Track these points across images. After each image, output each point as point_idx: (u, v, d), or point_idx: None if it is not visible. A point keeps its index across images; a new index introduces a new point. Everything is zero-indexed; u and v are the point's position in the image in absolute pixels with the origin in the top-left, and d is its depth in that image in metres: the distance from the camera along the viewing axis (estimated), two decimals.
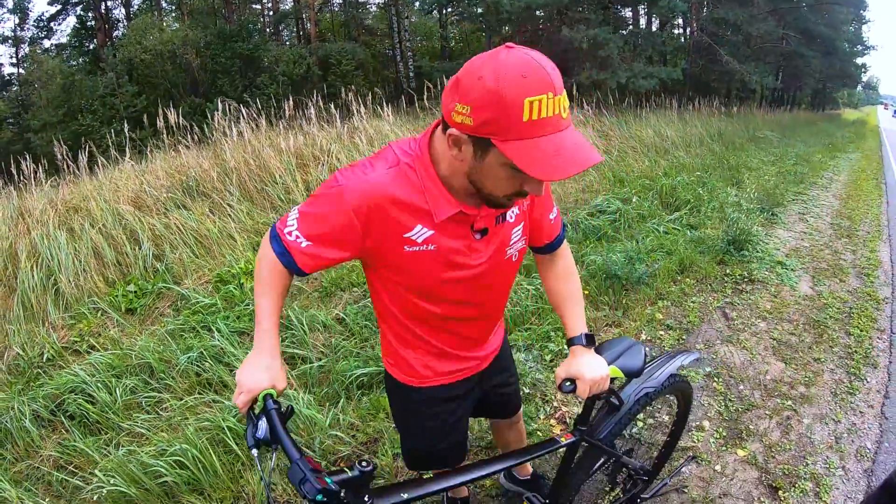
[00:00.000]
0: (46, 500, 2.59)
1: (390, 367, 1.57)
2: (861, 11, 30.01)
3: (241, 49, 18.78)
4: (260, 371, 1.24)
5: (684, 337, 3.61)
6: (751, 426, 2.73)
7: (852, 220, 6.54)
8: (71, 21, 25.81)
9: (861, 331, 3.66)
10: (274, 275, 1.31)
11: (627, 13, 19.74)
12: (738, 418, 2.79)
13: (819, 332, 3.66)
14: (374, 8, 26.15)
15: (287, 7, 26.11)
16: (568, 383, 1.43)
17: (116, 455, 2.67)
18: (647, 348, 1.92)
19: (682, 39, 21.46)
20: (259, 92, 13.94)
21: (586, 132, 9.27)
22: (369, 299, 3.91)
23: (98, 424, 3.05)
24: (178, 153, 5.97)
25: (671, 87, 15.20)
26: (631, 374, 1.51)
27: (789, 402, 2.91)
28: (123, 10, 25.92)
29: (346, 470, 1.06)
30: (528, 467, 2.29)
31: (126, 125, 6.63)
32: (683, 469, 2.44)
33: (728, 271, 4.64)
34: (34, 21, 26.29)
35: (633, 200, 6.29)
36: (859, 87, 60.04)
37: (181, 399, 3.09)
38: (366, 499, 1.11)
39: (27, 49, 25.57)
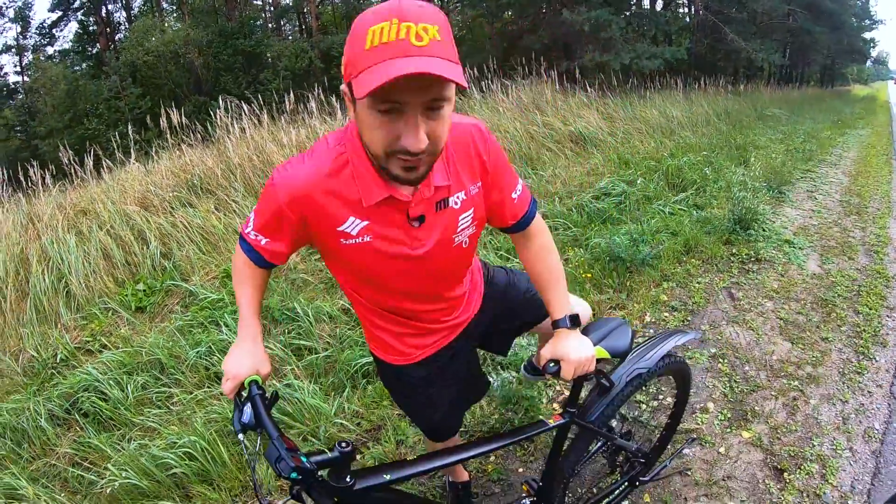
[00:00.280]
0: (63, 495, 2.64)
1: (373, 347, 1.61)
2: None
3: (242, 46, 18.82)
4: (244, 358, 1.30)
5: (689, 318, 3.59)
6: (756, 407, 2.72)
7: (861, 196, 6.46)
8: (72, 27, 26.03)
9: (870, 309, 3.61)
10: (246, 269, 1.38)
11: None
12: (744, 399, 2.78)
13: (827, 311, 3.63)
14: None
15: (288, 2, 26.08)
16: (552, 364, 1.41)
17: (129, 449, 2.73)
18: (643, 329, 1.92)
19: (687, 19, 21.21)
20: (262, 88, 13.99)
21: (590, 114, 9.22)
22: None
23: (111, 421, 3.11)
24: (183, 152, 6.01)
25: (676, 67, 15.04)
26: (618, 355, 1.51)
27: (796, 383, 2.89)
28: (124, 13, 26.08)
29: (327, 451, 1.09)
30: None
31: (131, 127, 6.66)
32: (686, 451, 2.44)
33: (734, 251, 4.60)
34: (36, 29, 26.52)
35: (639, 182, 6.25)
36: (869, 63, 59.20)
37: (191, 393, 3.15)
38: (347, 479, 1.13)
39: (30, 57, 25.79)
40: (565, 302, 1.46)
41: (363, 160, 1.15)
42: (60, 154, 6.03)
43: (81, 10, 24.97)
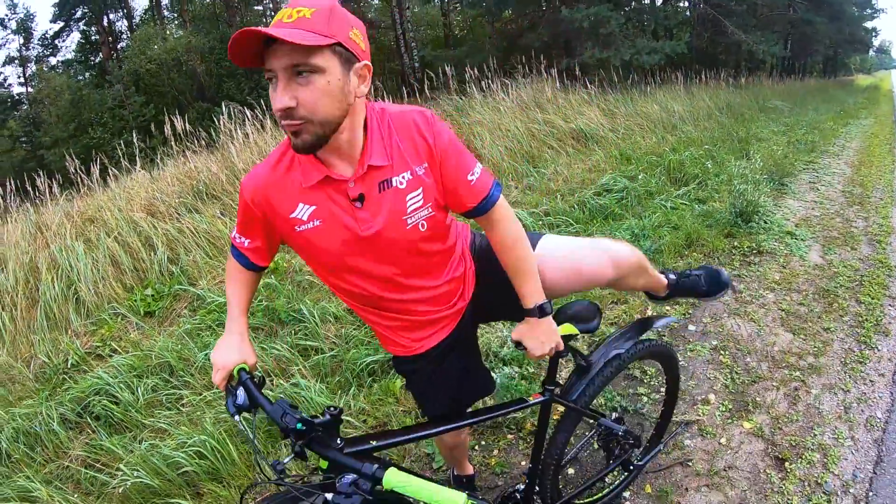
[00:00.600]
0: (76, 496, 2.70)
1: (379, 339, 1.66)
2: None
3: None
4: (231, 350, 1.39)
5: (690, 311, 3.61)
6: (757, 398, 2.74)
7: (864, 186, 6.46)
8: (75, 37, 26.22)
9: (872, 298, 3.63)
10: (235, 272, 1.50)
11: None
12: (745, 391, 2.81)
13: (829, 302, 3.64)
14: (375, 1, 26.17)
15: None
16: (520, 346, 1.50)
17: (140, 450, 2.78)
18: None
19: (687, 13, 21.16)
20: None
21: (591, 111, 9.24)
22: None
23: (122, 423, 3.17)
24: (188, 159, 6.08)
25: (677, 62, 15.03)
26: (586, 331, 1.58)
27: (797, 373, 2.91)
28: (126, 23, 26.25)
29: (318, 416, 1.22)
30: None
31: (136, 135, 6.74)
32: (687, 443, 2.47)
33: (736, 244, 4.62)
34: (38, 40, 26.73)
35: (640, 177, 6.27)
36: (871, 52, 58.88)
37: (200, 394, 3.20)
38: (338, 441, 1.24)
39: (33, 68, 25.99)
40: (535, 290, 1.47)
41: None
42: (67, 163, 6.10)
43: (83, 21, 25.17)
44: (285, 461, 1.19)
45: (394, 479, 1.12)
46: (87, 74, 24.65)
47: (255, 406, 1.26)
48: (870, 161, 8.09)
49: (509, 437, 2.65)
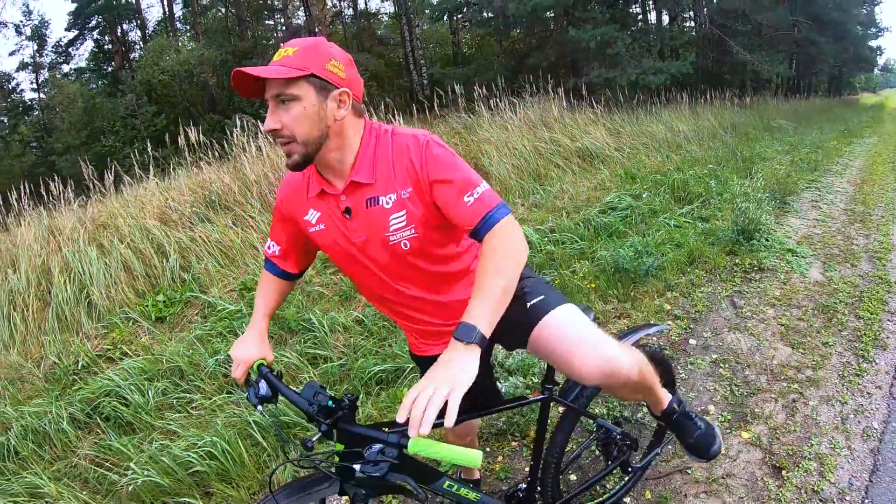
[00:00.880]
0: (84, 493, 2.75)
1: None
2: None
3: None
4: (250, 347, 1.51)
5: (692, 326, 3.68)
6: (756, 409, 2.81)
7: (866, 204, 6.53)
8: (88, 45, 26.53)
9: (871, 314, 3.69)
10: (264, 280, 1.66)
11: (636, 9, 19.78)
12: (744, 402, 2.87)
13: (828, 317, 3.71)
14: (385, 18, 26.51)
15: (300, 21, 26.52)
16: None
17: (150, 449, 2.85)
18: (646, 338, 2.04)
19: (694, 32, 21.37)
20: None
21: (597, 130, 9.36)
22: None
23: (132, 425, 3.24)
24: (201, 169, 6.21)
25: (683, 82, 15.18)
26: None
27: (796, 386, 2.98)
28: (139, 33, 26.58)
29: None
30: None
31: (149, 144, 6.89)
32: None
33: (737, 261, 4.70)
34: (52, 47, 27.07)
35: (644, 196, 6.37)
36: (876, 71, 59.15)
37: (210, 399, 3.27)
38: (356, 421, 1.34)
39: (46, 74, 26.30)
40: (478, 310, 1.21)
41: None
42: (82, 169, 6.22)
43: (97, 30, 25.53)
44: (313, 439, 1.28)
45: (418, 444, 1.16)
46: (99, 83, 24.95)
47: (277, 396, 1.39)
48: (872, 179, 8.17)
49: (513, 443, 2.72)
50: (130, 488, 2.68)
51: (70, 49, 26.85)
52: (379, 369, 3.24)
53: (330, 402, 1.28)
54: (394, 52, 23.52)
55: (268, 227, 5.33)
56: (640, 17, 20.44)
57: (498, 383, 2.93)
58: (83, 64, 27.09)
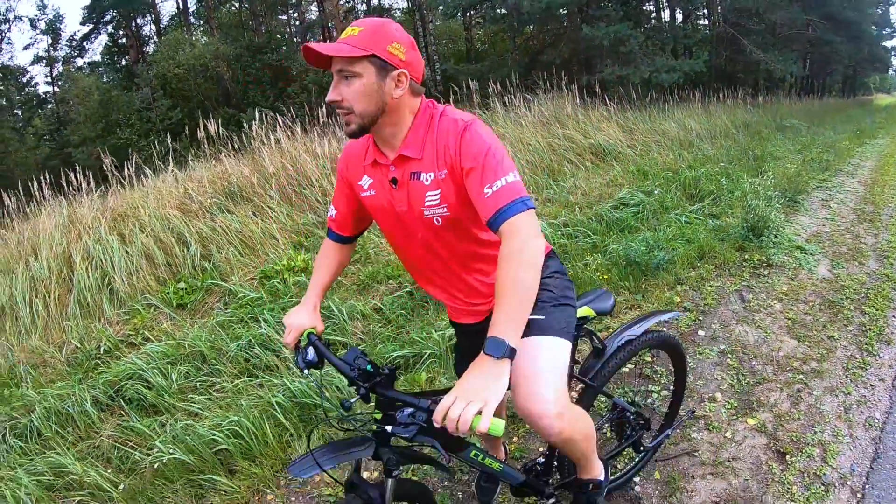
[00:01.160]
0: (108, 472, 2.86)
1: None
2: None
3: (270, 60, 19.32)
4: (302, 316, 1.63)
5: (701, 318, 3.77)
6: (762, 398, 2.90)
7: (876, 204, 6.57)
8: (102, 39, 26.76)
9: (877, 310, 3.76)
10: (322, 253, 1.81)
11: (650, 7, 19.76)
12: (750, 391, 2.96)
13: (834, 312, 3.78)
14: (398, 14, 26.59)
15: (313, 17, 26.67)
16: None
17: (175, 428, 2.95)
18: (655, 327, 2.14)
19: (707, 30, 21.32)
20: (290, 101, 14.36)
21: (610, 127, 9.43)
22: (405, 290, 4.19)
23: (154, 407, 3.35)
24: (220, 161, 6.33)
25: (695, 80, 15.18)
26: (601, 313, 1.81)
27: (801, 377, 3.06)
28: (153, 27, 26.81)
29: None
30: None
31: (168, 137, 7.02)
32: (694, 435, 2.63)
33: (747, 257, 4.77)
34: (66, 41, 27.34)
35: (656, 193, 6.44)
36: (891, 72, 58.53)
37: (232, 382, 3.38)
38: (393, 387, 1.44)
39: (60, 68, 26.56)
40: (504, 324, 1.25)
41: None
42: (102, 160, 6.34)
43: (112, 24, 25.78)
44: (352, 400, 1.40)
45: None
46: (112, 76, 25.20)
47: (323, 362, 1.50)
48: (883, 180, 8.19)
49: (527, 425, 2.82)
50: (156, 466, 2.78)
51: (84, 43, 27.16)
52: (397, 355, 3.35)
53: (368, 367, 1.38)
54: None
55: (286, 219, 5.49)
56: (654, 15, 20.46)
57: None
58: (97, 58, 27.41)
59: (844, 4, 23.73)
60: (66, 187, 6.15)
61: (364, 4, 27.31)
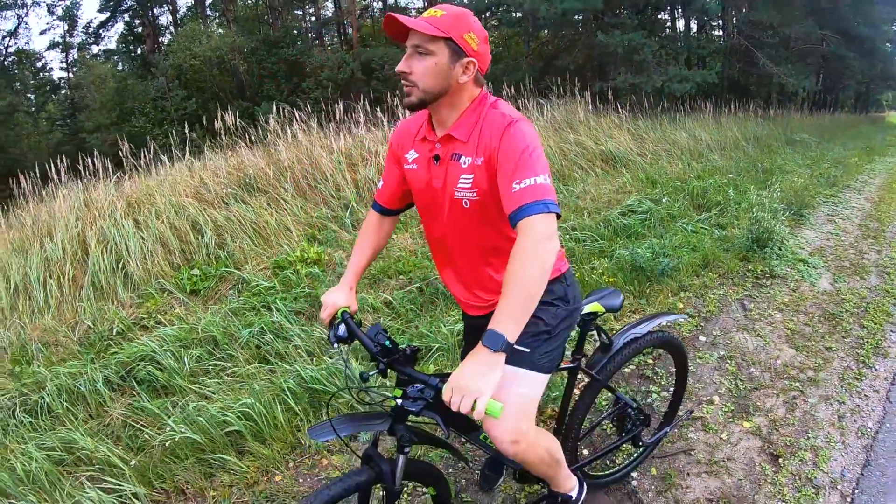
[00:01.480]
0: (118, 449, 2.93)
1: None
2: None
3: (285, 55, 19.49)
4: (339, 295, 1.77)
5: (702, 324, 3.86)
6: (758, 403, 2.98)
7: (881, 222, 6.63)
8: (118, 28, 26.95)
9: (875, 324, 3.84)
10: (363, 230, 1.93)
11: (665, 16, 19.81)
12: (747, 396, 3.05)
13: (833, 324, 3.86)
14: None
15: (329, 13, 26.82)
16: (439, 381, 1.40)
17: (187, 409, 3.04)
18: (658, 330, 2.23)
19: (722, 41, 21.35)
20: (304, 96, 14.49)
21: (621, 135, 9.52)
22: (415, 285, 4.29)
23: (165, 389, 3.43)
24: (236, 152, 6.45)
25: (707, 91, 15.24)
26: (610, 310, 1.91)
27: (797, 384, 3.14)
28: (170, 17, 27.00)
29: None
30: None
31: (179, 127, 7.14)
32: (691, 435, 2.72)
33: (750, 267, 4.85)
34: (83, 27, 27.54)
35: (664, 201, 6.52)
36: None
37: (244, 367, 3.47)
38: (412, 367, 1.54)
39: (76, 54, 26.76)
40: (505, 318, 1.34)
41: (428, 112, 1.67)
42: (119, 147, 6.45)
43: (129, 12, 25.98)
44: (371, 374, 1.51)
45: None
46: (128, 65, 25.38)
47: (352, 339, 1.62)
48: (890, 197, 8.24)
49: None
50: (167, 444, 2.87)
51: (101, 31, 27.36)
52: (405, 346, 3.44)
53: (387, 342, 1.49)
54: None
55: (300, 211, 5.61)
56: (669, 24, 20.48)
57: None
58: (112, 46, 27.59)
59: (859, 20, 23.69)
60: (82, 172, 6.26)
61: (380, 2, 27.47)
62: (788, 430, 2.77)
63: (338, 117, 7.07)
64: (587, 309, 1.88)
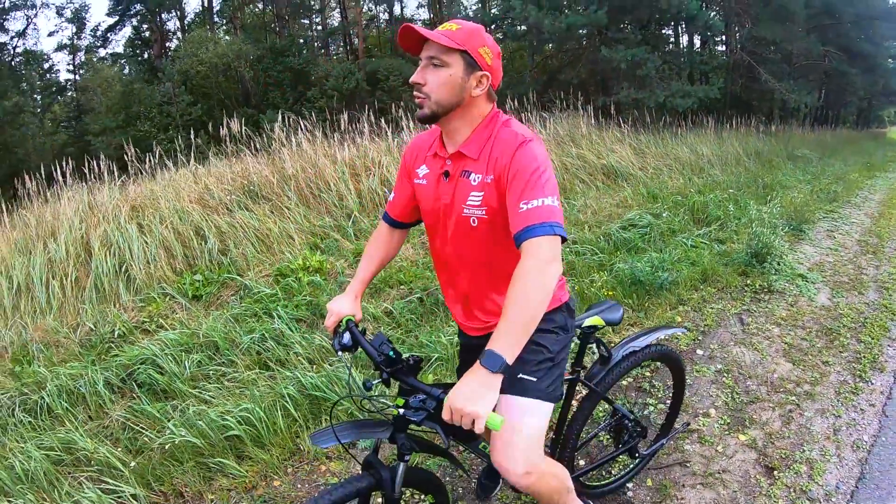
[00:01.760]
0: (118, 450, 2.94)
1: None
2: None
3: (291, 63, 19.62)
4: (345, 304, 1.77)
5: (700, 338, 3.88)
6: (754, 416, 3.00)
7: (881, 237, 6.66)
8: (126, 32, 27.14)
9: (872, 338, 3.86)
10: (373, 237, 1.95)
11: (668, 32, 19.94)
12: (743, 409, 3.07)
13: (831, 339, 3.89)
14: (419, 24, 26.92)
15: (335, 23, 27.02)
16: (441, 392, 1.41)
17: (187, 413, 3.06)
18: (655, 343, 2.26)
19: (724, 58, 21.48)
20: (309, 105, 14.58)
21: (623, 149, 9.58)
22: (415, 295, 4.32)
23: (165, 392, 3.44)
24: (240, 159, 6.50)
25: (710, 106, 15.33)
26: (610, 323, 1.94)
27: (793, 398, 3.16)
28: (178, 23, 27.21)
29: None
30: None
31: (184, 132, 7.19)
32: (687, 448, 2.74)
33: (748, 282, 4.89)
34: (91, 30, 27.74)
35: (665, 215, 6.57)
36: None
37: (244, 373, 3.49)
38: (415, 377, 1.56)
39: (83, 57, 26.92)
40: (504, 339, 1.33)
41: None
42: (124, 151, 6.50)
43: (137, 17, 26.18)
44: (374, 381, 1.53)
45: None
46: (134, 69, 25.54)
47: (356, 347, 1.65)
48: (890, 213, 8.28)
49: None
50: (167, 447, 2.88)
51: (108, 34, 27.55)
52: (407, 356, 3.45)
53: (391, 353, 1.52)
54: None
55: (303, 220, 5.66)
56: (672, 40, 20.62)
57: None
58: (119, 49, 27.79)
59: (861, 37, 23.86)
60: (87, 175, 6.30)
61: (386, 13, 27.69)
62: (784, 442, 2.79)
63: (342, 127, 7.14)
64: (587, 322, 1.92)
